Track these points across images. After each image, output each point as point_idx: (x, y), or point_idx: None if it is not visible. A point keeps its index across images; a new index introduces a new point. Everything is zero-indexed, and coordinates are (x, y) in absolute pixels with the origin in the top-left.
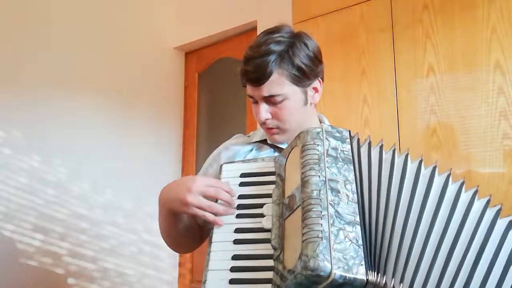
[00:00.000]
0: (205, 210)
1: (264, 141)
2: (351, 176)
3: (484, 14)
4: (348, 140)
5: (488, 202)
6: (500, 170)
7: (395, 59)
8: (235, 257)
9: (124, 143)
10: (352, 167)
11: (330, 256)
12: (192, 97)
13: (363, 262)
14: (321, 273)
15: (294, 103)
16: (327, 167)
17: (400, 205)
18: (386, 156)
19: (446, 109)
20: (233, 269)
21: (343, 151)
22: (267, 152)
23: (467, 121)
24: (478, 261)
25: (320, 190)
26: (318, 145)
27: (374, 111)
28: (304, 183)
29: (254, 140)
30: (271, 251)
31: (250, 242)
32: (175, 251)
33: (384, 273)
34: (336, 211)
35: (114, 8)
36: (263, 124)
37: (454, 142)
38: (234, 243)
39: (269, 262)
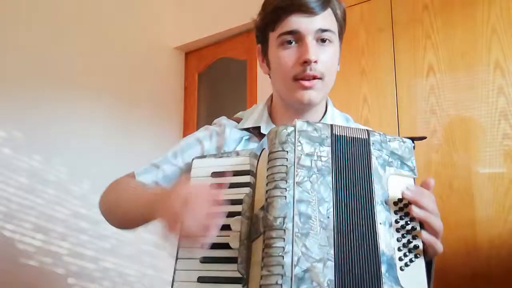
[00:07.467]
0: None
1: (257, 129)
2: (327, 193)
3: (484, 14)
4: (329, 140)
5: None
6: (500, 170)
7: (395, 59)
8: (201, 280)
9: (124, 143)
10: (330, 179)
11: None
12: (192, 97)
13: None
14: None
15: (334, 54)
16: (297, 182)
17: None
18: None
19: (446, 109)
20: None
21: (321, 157)
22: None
23: (467, 121)
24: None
25: (285, 218)
26: (287, 152)
27: (374, 111)
28: (268, 205)
29: (245, 126)
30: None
31: (218, 262)
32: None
33: None
34: (304, 245)
35: (114, 8)
36: (303, 71)
37: (454, 142)
38: (201, 262)
39: (238, 287)
